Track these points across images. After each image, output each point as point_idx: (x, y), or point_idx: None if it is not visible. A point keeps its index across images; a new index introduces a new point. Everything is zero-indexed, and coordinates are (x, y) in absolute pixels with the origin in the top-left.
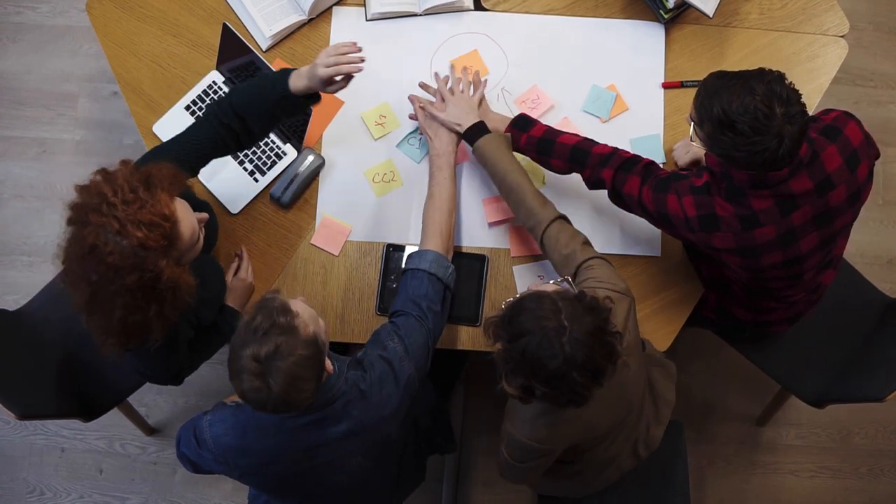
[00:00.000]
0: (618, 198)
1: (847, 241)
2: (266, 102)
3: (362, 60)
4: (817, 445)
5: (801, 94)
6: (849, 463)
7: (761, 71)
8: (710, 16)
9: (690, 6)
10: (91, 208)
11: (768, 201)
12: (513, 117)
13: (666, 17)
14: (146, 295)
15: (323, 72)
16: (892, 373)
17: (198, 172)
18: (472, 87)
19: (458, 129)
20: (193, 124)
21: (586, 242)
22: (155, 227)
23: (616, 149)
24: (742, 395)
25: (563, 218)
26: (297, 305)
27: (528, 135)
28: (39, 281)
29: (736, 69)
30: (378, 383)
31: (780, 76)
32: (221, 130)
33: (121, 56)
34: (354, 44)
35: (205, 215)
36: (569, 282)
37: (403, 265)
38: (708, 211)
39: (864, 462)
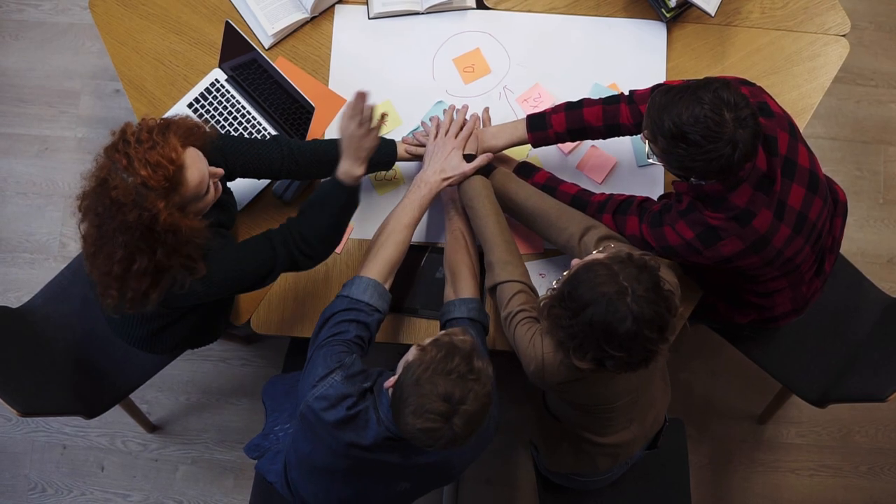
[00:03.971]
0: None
1: (843, 223)
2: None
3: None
4: (818, 444)
5: (748, 98)
6: (849, 461)
7: (706, 80)
8: (712, 14)
9: (692, 5)
10: (112, 145)
11: (748, 191)
12: (518, 163)
13: (668, 15)
14: (144, 235)
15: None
16: (894, 372)
17: (232, 178)
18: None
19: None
20: (266, 140)
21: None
22: (159, 168)
23: (611, 194)
24: (743, 394)
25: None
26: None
27: (532, 181)
28: (42, 278)
29: (737, 68)
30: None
31: (726, 83)
32: (285, 164)
33: (123, 53)
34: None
35: (220, 170)
36: (610, 248)
37: (452, 313)
38: (703, 227)
39: (865, 460)
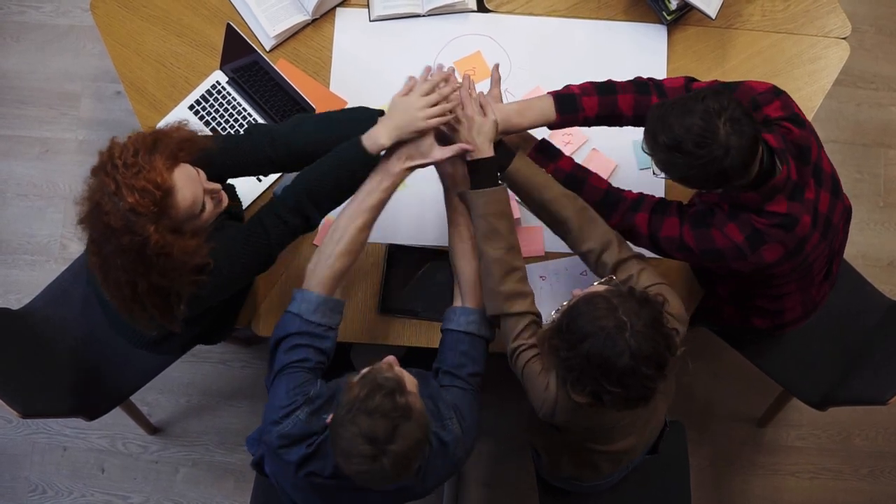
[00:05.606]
0: (654, 243)
1: (847, 226)
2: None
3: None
4: (818, 447)
5: (740, 102)
6: (849, 464)
7: (697, 92)
8: (713, 17)
9: (693, 7)
10: (101, 166)
11: (784, 201)
12: (534, 143)
13: (669, 18)
14: (138, 258)
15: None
16: (894, 375)
17: (222, 180)
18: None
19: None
20: (243, 137)
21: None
22: (146, 194)
23: (642, 193)
24: (743, 397)
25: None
26: (406, 377)
27: (556, 166)
28: (42, 280)
29: (738, 70)
30: (432, 457)
31: (716, 91)
32: (267, 152)
33: (124, 55)
34: (448, 74)
35: (217, 185)
36: (612, 280)
37: (449, 322)
38: (751, 230)
39: (865, 464)
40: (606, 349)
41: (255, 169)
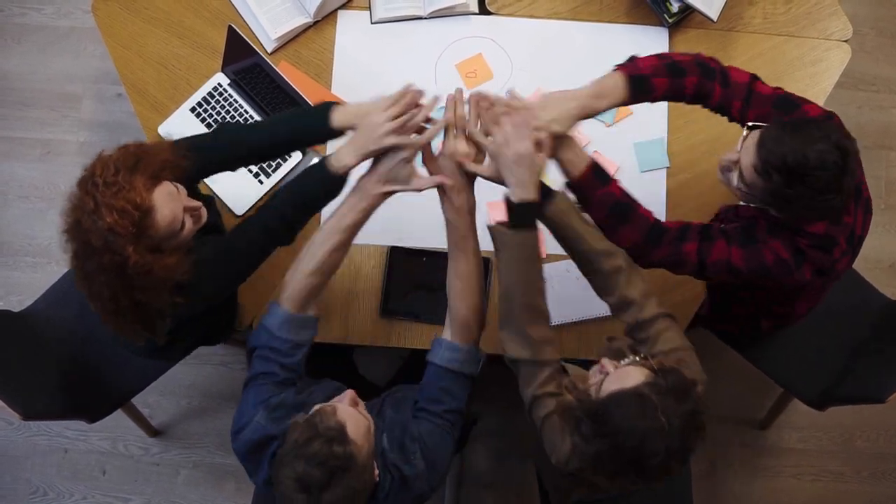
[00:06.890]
0: (702, 269)
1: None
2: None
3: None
4: (819, 449)
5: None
6: (851, 466)
7: (822, 121)
8: (714, 20)
9: (694, 10)
10: (82, 183)
11: (823, 223)
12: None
13: (670, 20)
14: (119, 276)
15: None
16: (894, 374)
17: (197, 182)
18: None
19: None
20: (216, 137)
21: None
22: (125, 215)
23: (687, 223)
24: (744, 399)
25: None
26: (351, 425)
27: (606, 190)
28: (43, 282)
29: None
30: (393, 492)
31: (841, 125)
32: (239, 151)
33: (126, 57)
34: (419, 93)
35: (198, 203)
36: (645, 358)
37: (433, 356)
38: (793, 248)
39: (866, 465)
40: (643, 448)
41: (227, 167)
